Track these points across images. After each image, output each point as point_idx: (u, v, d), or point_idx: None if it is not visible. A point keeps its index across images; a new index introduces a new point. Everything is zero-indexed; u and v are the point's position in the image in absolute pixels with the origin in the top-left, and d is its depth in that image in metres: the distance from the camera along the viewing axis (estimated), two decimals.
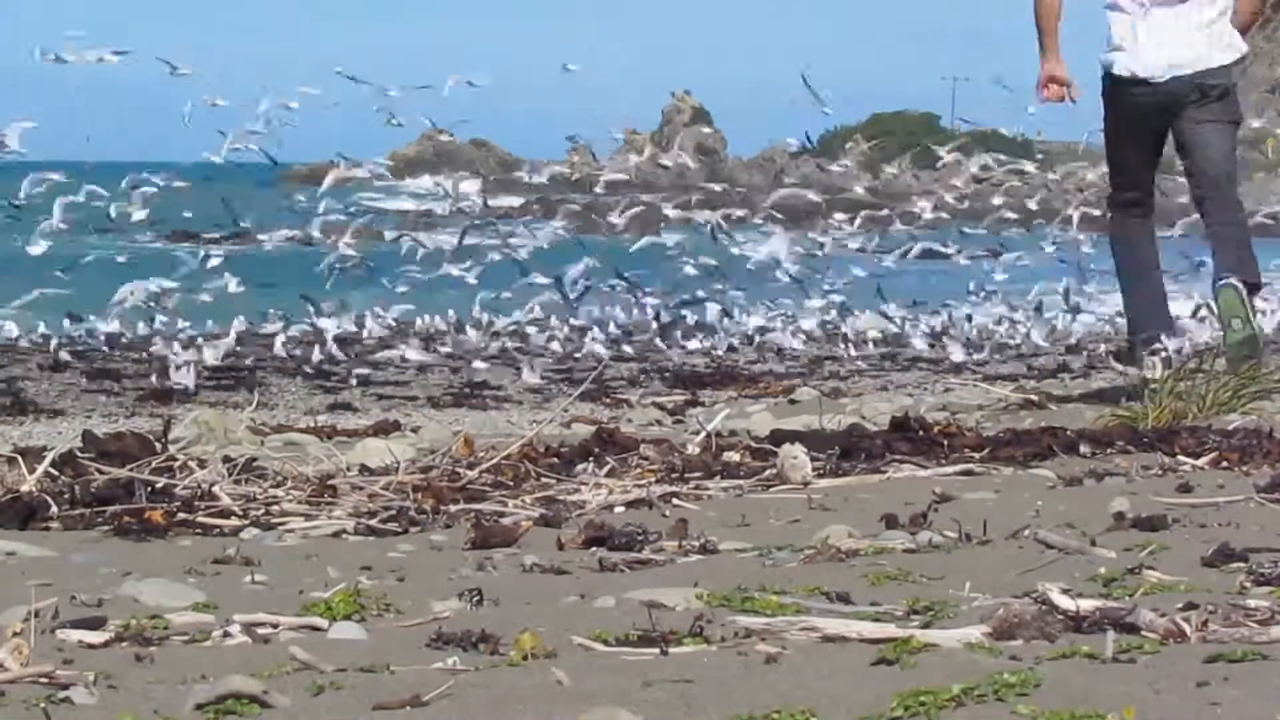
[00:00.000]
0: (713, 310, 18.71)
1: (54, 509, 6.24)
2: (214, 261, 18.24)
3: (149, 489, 6.42)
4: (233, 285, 17.94)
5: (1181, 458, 7.05)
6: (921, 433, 7.58)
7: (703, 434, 7.64)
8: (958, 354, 17.11)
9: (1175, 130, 9.05)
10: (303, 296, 18.24)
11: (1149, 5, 9.00)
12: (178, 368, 14.57)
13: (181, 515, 6.11)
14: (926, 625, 4.00)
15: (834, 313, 19.09)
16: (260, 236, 21.78)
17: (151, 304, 17.51)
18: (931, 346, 18.06)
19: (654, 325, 18.10)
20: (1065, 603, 3.98)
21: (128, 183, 18.81)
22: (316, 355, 16.42)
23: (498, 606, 4.46)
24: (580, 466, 7.12)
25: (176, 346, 15.90)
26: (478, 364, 16.20)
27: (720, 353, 17.33)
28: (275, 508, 6.30)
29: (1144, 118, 9.02)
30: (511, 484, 6.76)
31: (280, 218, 22.09)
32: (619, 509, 6.34)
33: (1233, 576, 4.57)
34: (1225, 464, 6.93)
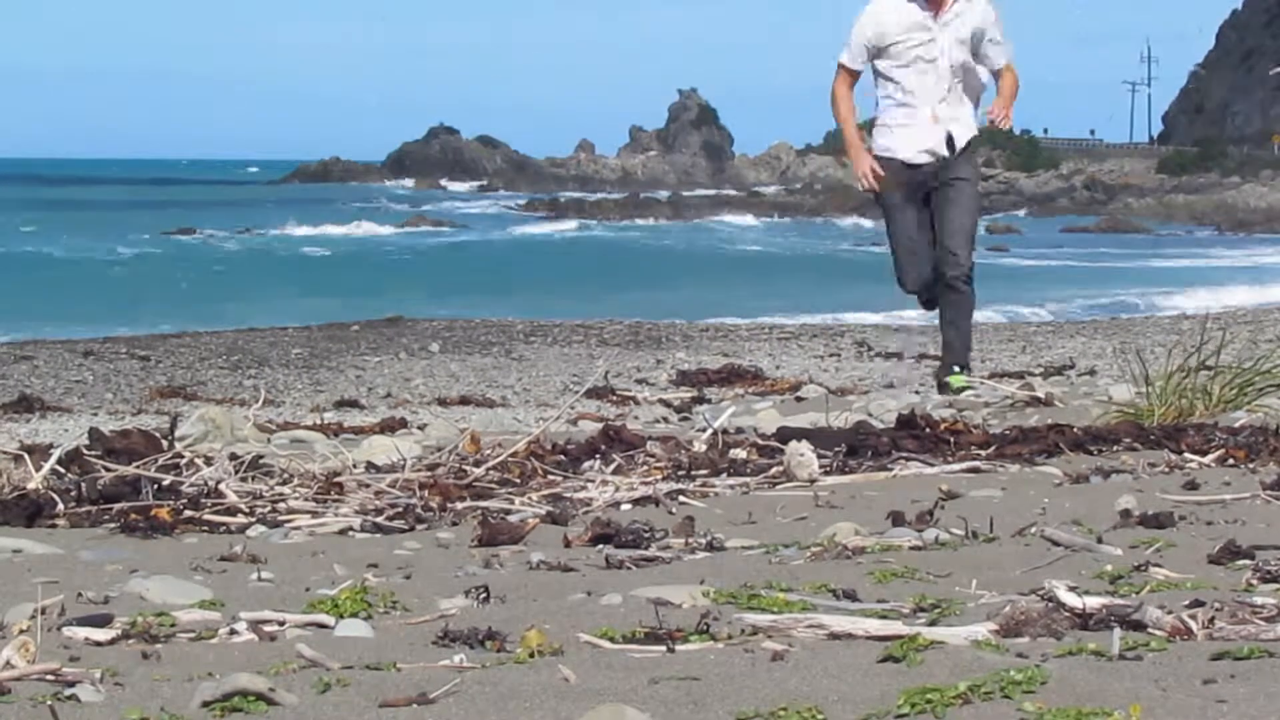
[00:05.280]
0: None
1: (60, 506, 6.24)
2: None
3: (155, 486, 6.43)
4: None
5: (1188, 455, 7.05)
6: (928, 430, 7.58)
7: (709, 431, 7.64)
8: None
9: None
10: None
11: None
12: None
13: (188, 512, 6.12)
14: (933, 622, 4.00)
15: None
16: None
17: None
18: None
19: None
20: (1072, 600, 3.98)
21: None
22: None
23: (504, 604, 4.46)
24: (587, 464, 7.13)
25: None
26: None
27: None
28: (282, 505, 6.31)
29: None
30: (518, 481, 6.77)
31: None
32: (625, 506, 6.35)
33: (1239, 574, 4.57)
34: (1232, 461, 6.93)
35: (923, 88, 10.58)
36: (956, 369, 10.69)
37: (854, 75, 10.85)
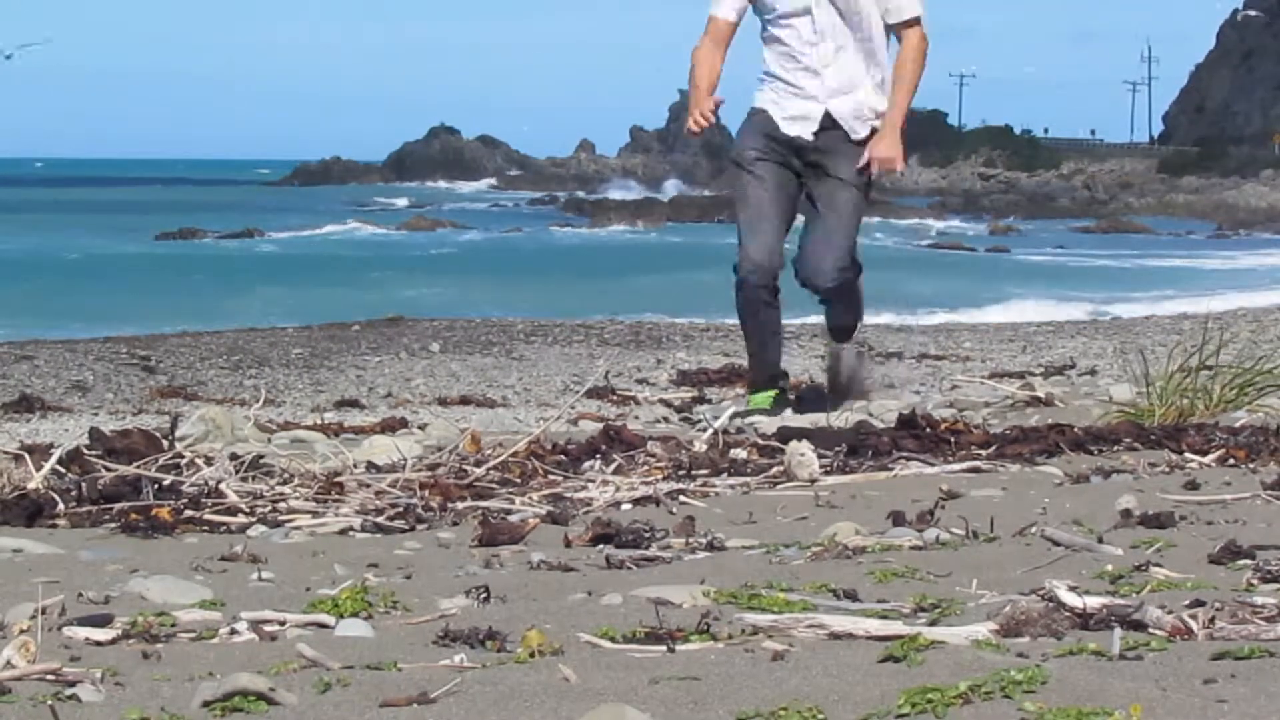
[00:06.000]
0: None
1: (61, 506, 6.24)
2: None
3: (156, 486, 6.43)
4: None
5: (1189, 455, 7.05)
6: (928, 430, 7.58)
7: (710, 431, 7.64)
8: None
9: None
10: None
11: None
12: None
13: (188, 512, 6.11)
14: (934, 622, 4.00)
15: None
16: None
17: None
18: None
19: None
20: (1072, 600, 3.98)
21: None
22: None
23: (504, 604, 4.45)
24: (587, 464, 7.13)
25: None
26: None
27: None
28: (282, 505, 6.30)
29: None
30: (518, 481, 6.76)
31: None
32: (626, 506, 6.34)
33: (1240, 573, 4.57)
34: (1232, 461, 6.93)
35: (798, 46, 8.82)
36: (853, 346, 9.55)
37: (724, 29, 9.00)
